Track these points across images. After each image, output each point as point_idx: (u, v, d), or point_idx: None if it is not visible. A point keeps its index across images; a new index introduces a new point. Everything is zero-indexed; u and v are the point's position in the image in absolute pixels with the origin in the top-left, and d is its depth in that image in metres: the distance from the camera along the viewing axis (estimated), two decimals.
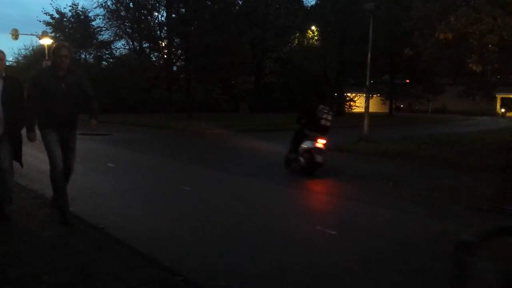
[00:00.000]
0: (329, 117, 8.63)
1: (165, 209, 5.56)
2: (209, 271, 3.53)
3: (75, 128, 4.73)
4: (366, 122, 15.11)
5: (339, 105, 34.94)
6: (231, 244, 4.25)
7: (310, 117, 8.67)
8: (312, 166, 8.26)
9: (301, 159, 8.43)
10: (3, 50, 4.64)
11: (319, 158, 8.18)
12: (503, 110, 37.10)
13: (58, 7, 33.78)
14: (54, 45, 4.62)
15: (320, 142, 8.33)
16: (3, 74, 4.51)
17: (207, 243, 4.24)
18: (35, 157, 7.83)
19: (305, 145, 8.41)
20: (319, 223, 4.97)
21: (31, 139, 4.46)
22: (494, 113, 36.46)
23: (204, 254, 3.94)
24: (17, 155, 4.66)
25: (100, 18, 32.50)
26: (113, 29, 32.73)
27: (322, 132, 8.51)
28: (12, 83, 4.56)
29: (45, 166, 4.13)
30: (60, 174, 4.51)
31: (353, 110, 37.10)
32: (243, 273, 3.53)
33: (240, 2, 34.36)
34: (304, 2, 40.73)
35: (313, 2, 39.13)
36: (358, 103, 35.70)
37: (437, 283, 3.47)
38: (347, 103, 37.74)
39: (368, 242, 4.42)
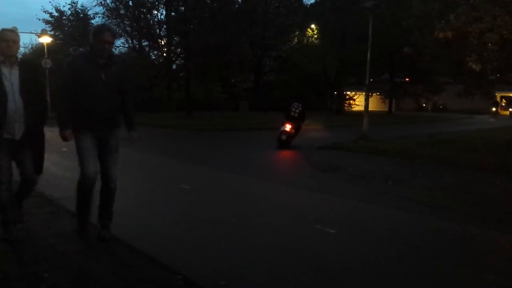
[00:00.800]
0: (297, 111, 12.43)
1: (164, 208, 5.56)
2: (209, 270, 3.53)
3: (117, 126, 3.92)
4: (365, 120, 15.12)
5: (339, 104, 34.90)
6: (231, 243, 4.25)
7: (287, 110, 12.57)
8: (279, 142, 12.16)
9: (277, 137, 12.30)
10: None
11: (283, 137, 12.15)
12: (493, 109, 36.13)
13: (58, 5, 34.01)
14: (95, 27, 3.87)
15: (287, 127, 12.15)
16: (18, 59, 3.77)
17: (206, 242, 4.24)
18: None
19: (280, 128, 12.31)
20: (318, 221, 4.97)
21: (66, 138, 3.69)
22: (494, 112, 36.19)
23: (204, 253, 3.94)
24: (37, 161, 3.90)
25: (99, 16, 32.46)
26: (113, 27, 32.69)
27: (292, 120, 12.28)
28: (29, 69, 3.81)
29: (46, 164, 4.10)
30: (90, 187, 3.75)
31: (352, 109, 37.04)
32: (243, 272, 3.54)
33: (240, 1, 34.30)
34: (304, 1, 40.55)
35: (312, 1, 39.02)
36: (358, 102, 35.64)
37: (436, 282, 3.47)
38: (347, 102, 37.68)
39: (367, 241, 4.43)
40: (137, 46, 34.19)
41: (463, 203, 6.08)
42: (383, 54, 30.19)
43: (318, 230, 4.70)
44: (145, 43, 33.31)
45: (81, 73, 3.65)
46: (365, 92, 16.88)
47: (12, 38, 3.67)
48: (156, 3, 30.52)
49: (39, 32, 26.93)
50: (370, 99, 18.28)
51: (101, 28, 3.81)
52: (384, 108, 38.37)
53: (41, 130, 3.88)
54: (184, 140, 15.45)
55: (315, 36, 33.44)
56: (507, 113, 35.94)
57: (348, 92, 38.72)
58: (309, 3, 40.28)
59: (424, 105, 44.46)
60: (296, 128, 12.42)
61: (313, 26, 33.42)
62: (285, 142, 12.13)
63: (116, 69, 3.80)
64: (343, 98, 36.46)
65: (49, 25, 32.49)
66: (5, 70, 3.61)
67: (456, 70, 16.37)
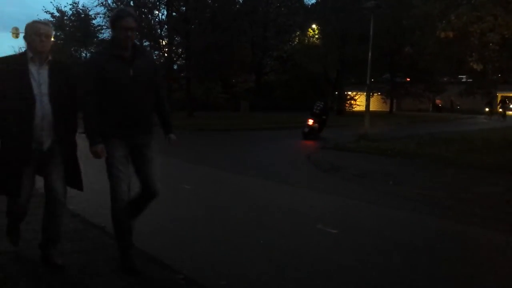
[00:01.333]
0: (318, 108, 15.44)
1: (165, 208, 5.55)
2: (210, 269, 3.53)
3: (150, 132, 3.36)
4: (366, 120, 15.13)
5: (340, 104, 34.87)
6: (231, 242, 4.25)
7: (310, 108, 15.63)
8: (303, 134, 14.90)
9: (301, 131, 15.17)
10: (7, 47, 3.72)
11: (306, 130, 14.95)
12: (487, 109, 33.10)
13: (59, 5, 33.75)
14: (113, 14, 3.30)
15: (309, 121, 15.04)
16: (49, 58, 3.17)
17: (207, 242, 4.24)
18: None
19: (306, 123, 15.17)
20: (319, 221, 4.97)
21: (98, 153, 3.10)
22: (495, 112, 35.63)
23: (205, 252, 3.94)
24: (73, 177, 3.30)
25: (100, 17, 32.46)
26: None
27: (315, 116, 15.22)
28: (60, 70, 3.23)
29: None
30: (124, 208, 3.27)
31: (353, 109, 37.04)
32: (243, 271, 3.54)
33: (241, 1, 34.29)
34: (305, 1, 40.50)
35: (313, 1, 39.01)
36: (359, 102, 35.65)
37: (437, 282, 3.47)
38: (348, 102, 37.67)
39: (368, 240, 4.42)
40: None
41: (464, 202, 6.08)
42: (384, 54, 30.20)
43: (319, 230, 4.70)
44: (146, 43, 33.28)
45: (106, 72, 3.09)
46: (366, 92, 16.90)
47: (45, 31, 3.12)
48: (157, 3, 30.53)
49: None
50: (371, 99, 18.31)
51: (121, 13, 3.20)
52: (385, 108, 38.37)
53: (73, 139, 3.31)
54: (185, 140, 15.43)
55: (316, 36, 33.45)
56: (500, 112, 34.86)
57: (349, 92, 38.71)
58: (310, 3, 40.22)
59: (440, 104, 43.33)
60: (320, 122, 15.25)
61: (314, 26, 33.44)
62: (307, 134, 14.87)
63: (145, 62, 3.26)
64: (344, 98, 36.44)
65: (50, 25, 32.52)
66: (33, 69, 3.09)
67: (457, 70, 16.42)
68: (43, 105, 3.06)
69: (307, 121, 15.12)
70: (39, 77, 3.08)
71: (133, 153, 3.28)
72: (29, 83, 3.04)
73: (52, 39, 3.19)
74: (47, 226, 3.34)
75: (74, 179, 3.30)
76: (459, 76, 30.39)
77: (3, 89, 2.99)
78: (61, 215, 3.36)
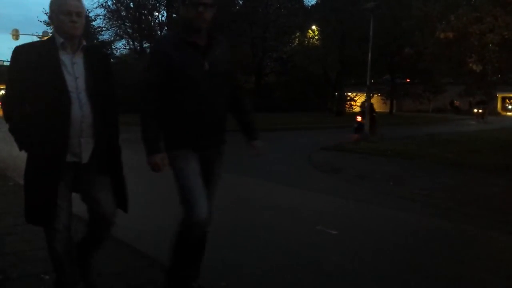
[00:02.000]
0: (364, 106, 17.24)
1: (166, 209, 5.55)
2: (210, 271, 3.53)
3: (224, 142, 2.74)
4: (366, 121, 15.14)
5: (340, 105, 34.92)
6: (232, 244, 4.24)
7: (360, 107, 18.36)
8: (353, 129, 16.74)
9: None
10: (7, 48, 2.99)
11: (355, 125, 16.70)
12: (475, 110, 32.42)
13: None
14: None
15: (358, 118, 16.91)
16: (84, 43, 2.45)
17: (207, 243, 4.23)
18: None
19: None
20: (319, 222, 4.96)
21: (157, 166, 2.57)
22: (496, 112, 35.40)
23: (205, 254, 3.94)
24: (118, 194, 2.63)
25: (100, 18, 32.64)
26: (114, 29, 32.84)
27: (361, 114, 16.91)
28: (98, 58, 2.55)
29: None
30: (201, 235, 2.77)
31: (353, 110, 37.08)
32: (244, 273, 3.53)
33: (240, 2, 34.36)
34: (305, 2, 40.69)
35: (313, 2, 39.15)
36: (359, 103, 35.71)
37: (437, 283, 3.46)
38: (348, 103, 37.71)
39: (369, 241, 4.42)
40: (138, 47, 34.27)
41: (464, 203, 6.08)
42: (384, 54, 30.25)
43: (320, 230, 4.70)
44: (146, 45, 33.38)
45: (174, 63, 2.41)
46: (366, 93, 16.94)
47: (76, 9, 2.36)
48: (157, 4, 30.65)
49: (41, 34, 27.00)
50: (371, 100, 18.39)
51: None
52: (385, 109, 38.42)
53: (117, 144, 2.63)
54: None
55: (316, 37, 33.50)
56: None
57: (349, 93, 38.76)
58: (309, 4, 40.36)
59: (457, 103, 42.55)
60: (371, 119, 16.45)
61: (314, 27, 33.49)
62: (356, 129, 16.62)
63: (221, 52, 2.57)
64: (344, 99, 36.49)
65: (50, 27, 32.56)
66: (66, 59, 2.38)
67: (457, 71, 16.45)
68: (81, 104, 2.38)
69: (356, 118, 17.38)
70: (74, 69, 2.39)
71: (202, 169, 2.63)
72: (63, 77, 2.34)
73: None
74: (87, 251, 2.71)
75: (119, 197, 2.65)
76: (459, 77, 30.38)
77: (30, 86, 2.32)
78: (107, 238, 2.76)
